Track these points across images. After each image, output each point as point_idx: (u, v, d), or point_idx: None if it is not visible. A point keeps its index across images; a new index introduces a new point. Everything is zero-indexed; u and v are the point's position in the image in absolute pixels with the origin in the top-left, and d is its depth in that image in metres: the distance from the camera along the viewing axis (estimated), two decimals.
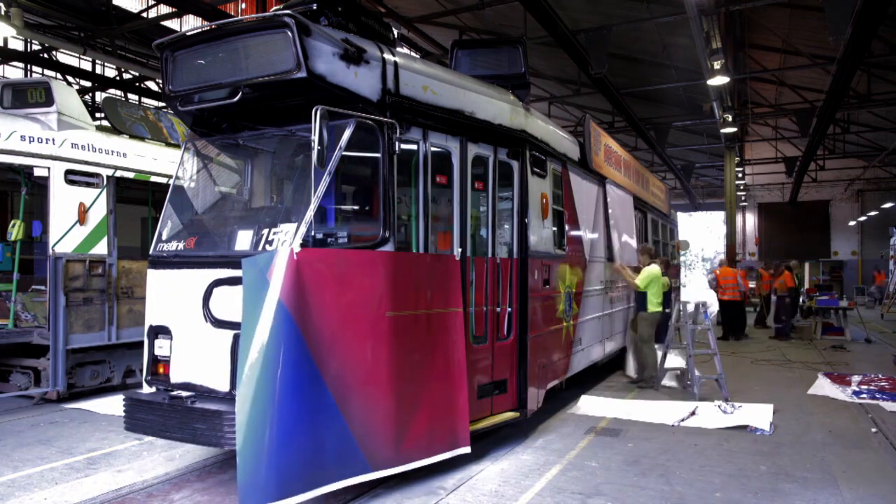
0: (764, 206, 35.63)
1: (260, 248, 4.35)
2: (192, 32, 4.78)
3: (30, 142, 7.51)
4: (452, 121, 5.40)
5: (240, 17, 6.07)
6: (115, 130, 8.74)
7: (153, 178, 8.80)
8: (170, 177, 6.61)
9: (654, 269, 8.99)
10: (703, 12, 10.04)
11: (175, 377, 4.50)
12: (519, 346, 6.18)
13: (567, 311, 7.44)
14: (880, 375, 9.63)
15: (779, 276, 15.75)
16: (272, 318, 3.92)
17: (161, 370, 4.76)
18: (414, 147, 5.13)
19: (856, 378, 9.38)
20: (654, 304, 8.90)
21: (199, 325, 4.43)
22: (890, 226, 28.53)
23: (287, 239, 4.27)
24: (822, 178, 30.09)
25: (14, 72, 18.92)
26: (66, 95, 8.21)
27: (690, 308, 8.89)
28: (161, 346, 4.75)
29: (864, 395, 8.19)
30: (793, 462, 5.55)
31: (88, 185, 8.03)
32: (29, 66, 17.50)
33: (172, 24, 14.17)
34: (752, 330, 16.24)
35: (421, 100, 5.09)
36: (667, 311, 9.38)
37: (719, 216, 44.48)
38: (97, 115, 13.89)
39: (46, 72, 16.25)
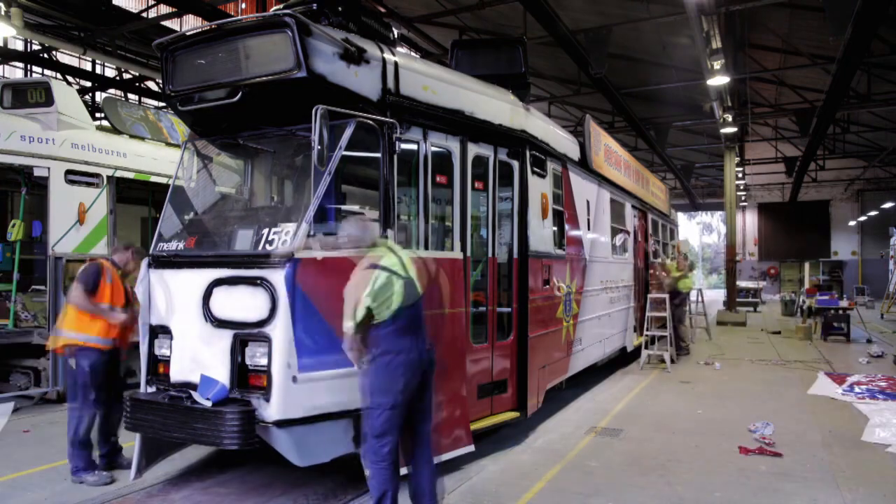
0: (764, 206, 35.62)
1: (260, 247, 4.35)
2: (192, 32, 4.78)
3: (30, 142, 7.51)
4: (452, 120, 5.39)
5: (240, 17, 6.06)
6: (115, 130, 8.74)
7: (153, 178, 8.80)
8: (170, 177, 6.62)
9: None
10: (703, 12, 10.03)
11: (175, 377, 4.49)
12: (519, 346, 6.18)
13: (567, 311, 7.45)
14: (880, 375, 9.63)
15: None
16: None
17: (161, 370, 4.75)
18: (414, 147, 5.13)
19: (855, 378, 9.38)
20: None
21: (199, 325, 4.43)
22: (890, 226, 28.52)
23: (287, 239, 4.26)
24: (822, 178, 30.09)
25: (14, 72, 18.92)
26: (66, 95, 8.21)
27: None
28: (161, 346, 4.75)
29: (864, 395, 8.19)
30: (793, 462, 5.55)
31: (88, 185, 8.03)
32: (29, 66, 17.50)
33: (172, 24, 14.16)
34: None
35: (421, 99, 5.09)
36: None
37: (719, 216, 44.43)
38: (97, 115, 13.89)
39: (46, 72, 16.25)
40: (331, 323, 4.26)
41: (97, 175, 8.12)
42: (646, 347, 10.93)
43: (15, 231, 7.70)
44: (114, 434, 5.29)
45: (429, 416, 3.85)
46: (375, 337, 3.69)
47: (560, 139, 7.58)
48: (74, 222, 7.82)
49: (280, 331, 4.13)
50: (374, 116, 4.67)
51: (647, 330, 11.04)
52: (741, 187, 30.29)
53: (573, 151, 8.01)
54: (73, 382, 5.06)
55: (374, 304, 3.62)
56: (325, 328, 4.27)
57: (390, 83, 4.82)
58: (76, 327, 5.00)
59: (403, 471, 3.97)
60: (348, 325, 3.66)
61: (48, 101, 7.87)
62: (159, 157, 8.94)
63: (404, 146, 4.94)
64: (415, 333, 3.72)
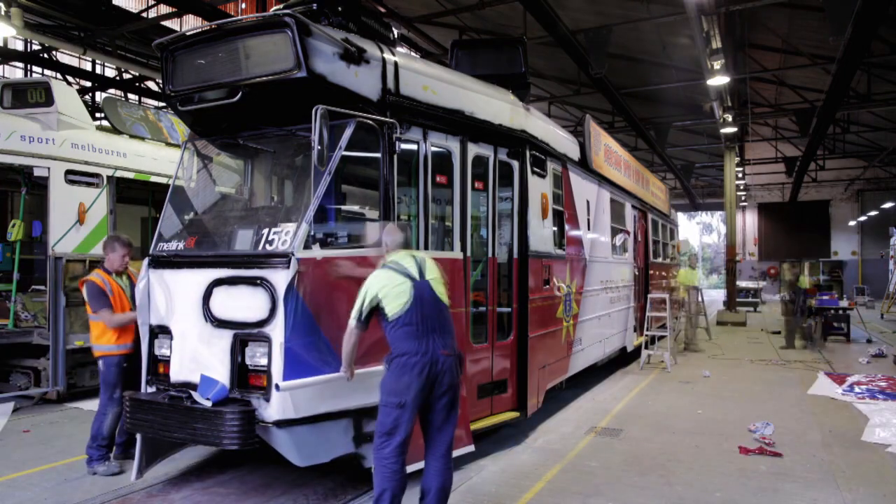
0: (764, 206, 35.62)
1: (260, 247, 4.35)
2: (192, 32, 4.77)
3: (30, 142, 7.51)
4: (452, 120, 5.40)
5: (240, 17, 6.07)
6: (115, 130, 8.74)
7: (153, 178, 8.80)
8: (170, 177, 6.64)
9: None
10: (703, 12, 10.03)
11: (175, 377, 4.49)
12: (519, 346, 6.18)
13: (567, 311, 7.45)
14: (880, 375, 9.63)
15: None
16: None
17: (161, 370, 4.75)
18: (414, 147, 5.13)
19: (855, 378, 9.38)
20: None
21: (199, 325, 4.43)
22: (890, 226, 28.50)
23: (288, 240, 4.26)
24: (822, 178, 30.09)
25: (14, 72, 18.92)
26: (66, 95, 8.21)
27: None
28: (161, 346, 4.75)
29: (864, 395, 8.19)
30: (793, 462, 5.55)
31: (88, 185, 8.03)
32: (29, 66, 17.50)
33: (172, 24, 14.16)
34: None
35: (421, 99, 5.09)
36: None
37: (719, 216, 44.39)
38: (97, 115, 13.89)
39: (46, 72, 16.25)
40: (332, 322, 4.27)
41: (97, 175, 8.13)
42: (646, 347, 10.94)
43: (15, 231, 7.70)
44: None
45: (445, 427, 3.74)
46: (390, 337, 3.73)
47: (560, 139, 7.58)
48: (74, 222, 7.82)
49: (280, 331, 4.13)
50: (374, 116, 4.67)
51: (648, 330, 11.04)
52: (741, 187, 30.30)
53: (573, 151, 8.01)
54: (102, 383, 5.34)
55: (382, 297, 3.68)
56: (327, 328, 4.27)
57: (390, 83, 4.82)
58: (96, 340, 5.35)
59: (414, 467, 3.97)
60: (353, 315, 3.73)
61: (48, 101, 7.87)
62: (159, 157, 8.94)
63: (404, 146, 4.94)
64: (430, 337, 3.67)
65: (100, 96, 16.30)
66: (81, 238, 7.88)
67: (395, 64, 4.89)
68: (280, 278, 4.13)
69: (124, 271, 5.50)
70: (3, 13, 10.12)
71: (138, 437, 4.74)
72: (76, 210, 7.84)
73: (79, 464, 5.43)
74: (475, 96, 5.70)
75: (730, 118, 16.76)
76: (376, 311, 3.73)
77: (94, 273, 5.41)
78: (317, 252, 4.29)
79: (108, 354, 5.32)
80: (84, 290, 5.33)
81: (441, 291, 3.87)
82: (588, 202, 8.48)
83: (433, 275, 3.86)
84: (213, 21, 9.17)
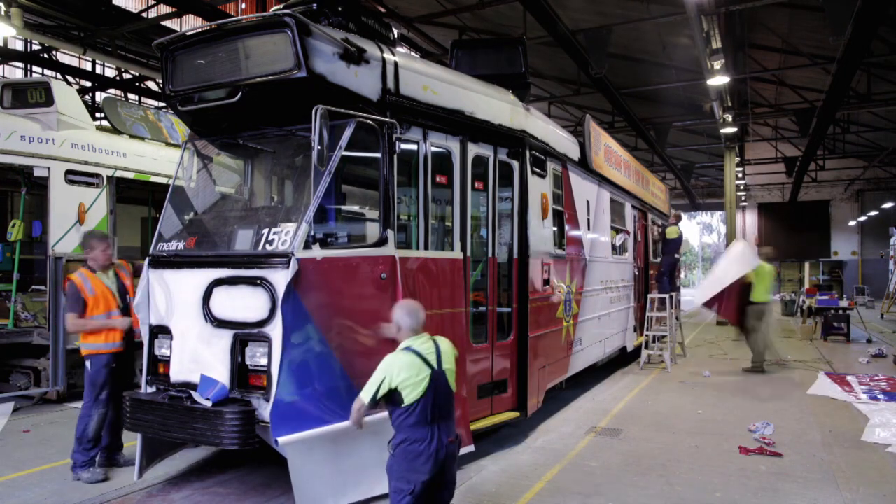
0: (764, 206, 35.62)
1: (260, 247, 4.35)
2: (192, 32, 4.77)
3: (30, 142, 7.51)
4: (452, 120, 5.40)
5: (240, 17, 6.07)
6: (115, 130, 8.74)
7: (153, 178, 8.80)
8: (170, 177, 6.64)
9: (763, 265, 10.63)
10: (703, 12, 10.04)
11: (175, 377, 4.48)
12: (519, 346, 6.18)
13: (567, 311, 7.45)
14: (880, 375, 9.63)
15: None
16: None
17: (161, 370, 4.75)
18: (414, 147, 5.13)
19: (855, 378, 9.38)
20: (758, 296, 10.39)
21: (199, 325, 4.43)
22: (890, 226, 28.52)
23: (288, 240, 4.26)
24: (822, 178, 30.09)
25: (14, 72, 18.93)
26: (66, 95, 8.21)
27: None
28: (161, 346, 4.75)
29: (864, 395, 8.19)
30: (793, 462, 5.55)
31: (88, 185, 8.03)
32: (29, 66, 17.51)
33: (172, 24, 14.16)
34: None
35: (421, 99, 5.09)
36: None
37: (719, 216, 44.40)
38: (97, 115, 13.89)
39: (46, 72, 16.26)
40: (332, 322, 4.27)
41: (97, 175, 8.13)
42: (646, 347, 10.94)
43: (15, 231, 7.71)
44: (119, 432, 5.38)
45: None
46: (396, 421, 3.54)
47: (560, 139, 7.58)
48: (74, 222, 7.82)
49: (280, 331, 4.13)
50: (374, 116, 4.66)
51: (648, 330, 11.05)
52: (741, 187, 30.30)
53: (573, 151, 8.01)
54: (88, 383, 5.20)
55: (402, 388, 3.45)
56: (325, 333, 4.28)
57: (390, 83, 4.82)
58: (83, 339, 5.23)
59: None
60: (366, 396, 3.49)
61: (48, 101, 7.87)
62: (159, 157, 8.94)
63: (404, 146, 4.94)
64: (437, 424, 3.52)
65: (100, 96, 16.30)
66: (82, 238, 7.87)
67: (395, 64, 4.89)
68: (280, 278, 4.13)
69: (109, 266, 5.37)
70: (3, 13, 10.12)
71: (138, 437, 4.74)
72: (76, 210, 7.84)
73: None
74: (475, 96, 5.70)
75: (730, 118, 16.76)
76: (390, 395, 3.50)
77: (77, 272, 5.24)
78: (317, 252, 4.29)
79: (96, 353, 5.15)
80: (66, 292, 5.25)
81: (453, 382, 3.67)
82: (588, 202, 8.48)
83: (449, 365, 3.64)
84: (213, 21, 9.17)
